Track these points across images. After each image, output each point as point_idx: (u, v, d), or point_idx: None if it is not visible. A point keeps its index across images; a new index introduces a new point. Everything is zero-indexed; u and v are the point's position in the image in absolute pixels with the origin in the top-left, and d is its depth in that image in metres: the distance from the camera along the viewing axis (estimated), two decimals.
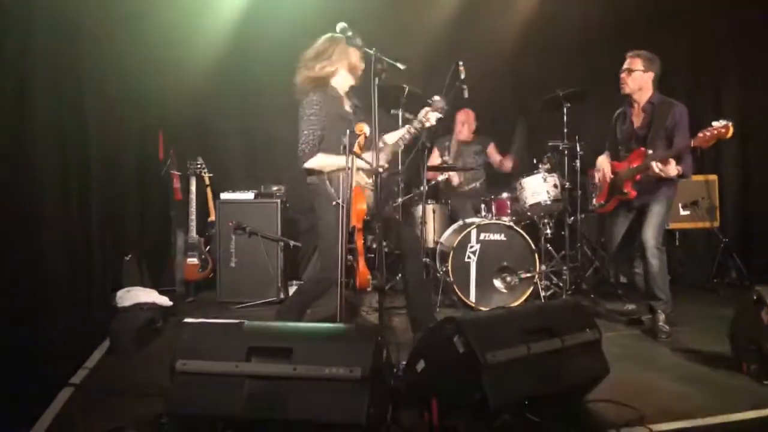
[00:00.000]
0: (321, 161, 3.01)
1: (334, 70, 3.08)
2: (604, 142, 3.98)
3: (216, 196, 4.73)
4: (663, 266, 3.54)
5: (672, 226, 4.93)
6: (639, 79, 3.59)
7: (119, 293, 3.66)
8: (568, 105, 4.65)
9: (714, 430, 2.18)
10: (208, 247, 4.76)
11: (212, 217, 4.77)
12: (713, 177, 5.20)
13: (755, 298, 2.69)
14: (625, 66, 3.64)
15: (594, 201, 4.06)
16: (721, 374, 2.78)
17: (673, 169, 3.33)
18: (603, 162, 3.83)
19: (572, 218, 4.79)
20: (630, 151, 3.65)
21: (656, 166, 3.33)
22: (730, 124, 3.12)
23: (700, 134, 3.20)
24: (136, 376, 2.78)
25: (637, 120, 3.67)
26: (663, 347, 3.27)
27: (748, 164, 5.45)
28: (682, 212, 4.94)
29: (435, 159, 5.16)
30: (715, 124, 3.15)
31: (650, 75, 3.59)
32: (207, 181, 4.88)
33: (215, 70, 5.22)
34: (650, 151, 3.46)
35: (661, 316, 3.52)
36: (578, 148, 4.69)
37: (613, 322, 3.92)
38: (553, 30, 5.36)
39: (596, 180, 3.90)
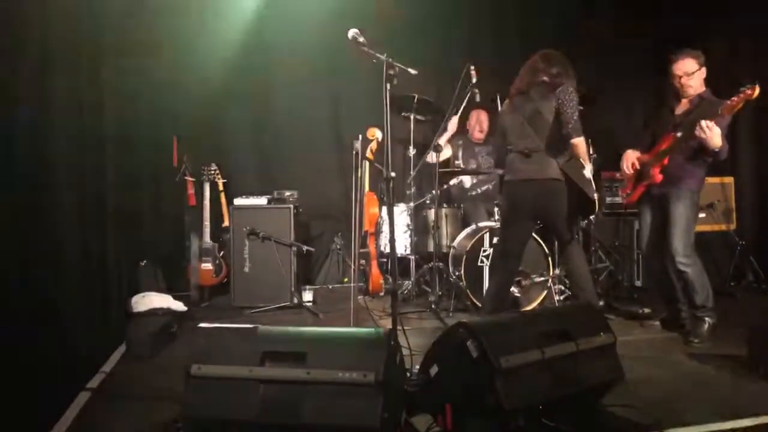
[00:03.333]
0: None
1: None
2: (616, 145, 3.95)
3: (230, 202, 4.77)
4: (698, 272, 3.46)
5: None
6: (698, 78, 3.53)
7: (135, 298, 3.70)
8: (581, 108, 4.62)
9: None
10: (222, 252, 4.80)
11: (226, 223, 4.81)
12: (729, 179, 5.15)
13: None
14: (680, 71, 3.53)
15: (620, 193, 4.01)
16: (738, 378, 2.75)
17: (716, 136, 3.22)
18: (629, 153, 3.74)
19: (586, 222, 4.76)
20: (662, 138, 3.57)
21: (704, 124, 3.21)
22: (757, 85, 3.07)
23: (728, 101, 3.17)
24: (152, 381, 2.80)
25: (679, 109, 3.61)
26: (678, 351, 3.24)
27: (764, 166, 5.39)
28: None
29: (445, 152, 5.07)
30: (742, 88, 3.13)
31: (704, 71, 3.54)
32: (221, 187, 4.92)
33: (228, 77, 5.29)
34: (679, 134, 3.39)
35: (706, 325, 3.44)
36: (591, 151, 4.66)
37: (627, 326, 3.88)
38: (567, 31, 5.36)
39: (623, 170, 3.79)
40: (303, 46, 5.37)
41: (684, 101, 3.60)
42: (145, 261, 4.16)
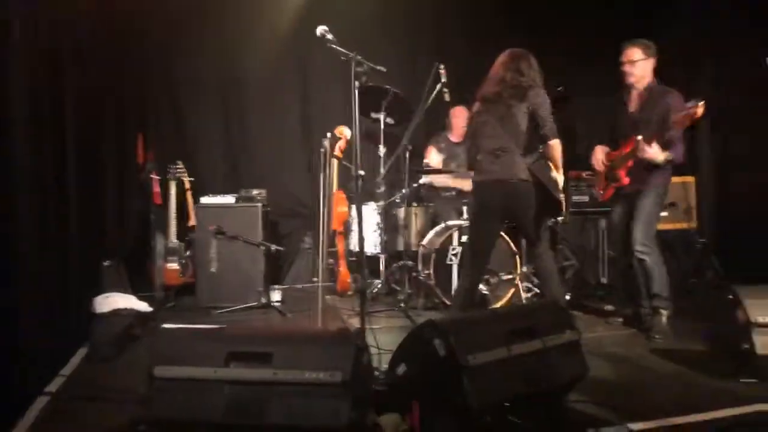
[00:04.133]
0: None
1: None
2: (588, 145, 4.02)
3: (196, 200, 4.69)
4: (656, 261, 3.55)
5: None
6: (642, 67, 3.64)
7: (97, 299, 3.60)
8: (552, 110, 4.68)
9: (692, 428, 2.21)
10: (188, 252, 4.72)
11: (192, 222, 4.73)
12: (690, 179, 5.27)
13: (731, 298, 2.73)
14: (625, 58, 3.67)
15: (595, 190, 4.11)
16: (698, 373, 2.82)
17: (657, 152, 3.39)
18: (597, 150, 3.86)
19: (553, 221, 4.83)
20: (626, 139, 3.67)
21: (644, 148, 3.39)
22: (701, 103, 3.18)
23: (674, 117, 3.29)
24: (115, 384, 2.74)
25: (633, 106, 3.72)
26: (640, 348, 3.31)
27: (724, 167, 5.54)
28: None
29: (433, 157, 5.05)
30: (687, 104, 3.25)
31: (651, 61, 3.66)
32: (187, 185, 4.83)
33: (196, 74, 5.20)
34: (639, 137, 3.48)
35: (663, 318, 3.54)
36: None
37: (592, 323, 3.95)
38: (539, 32, 5.42)
39: (593, 167, 3.93)
40: (272, 43, 5.31)
41: (634, 94, 3.70)
42: (108, 261, 4.06)
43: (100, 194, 4.13)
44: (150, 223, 4.82)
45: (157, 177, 4.81)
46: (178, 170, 4.76)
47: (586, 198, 5.17)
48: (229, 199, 4.60)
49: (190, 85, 5.23)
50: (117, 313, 3.54)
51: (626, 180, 3.64)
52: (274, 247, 4.55)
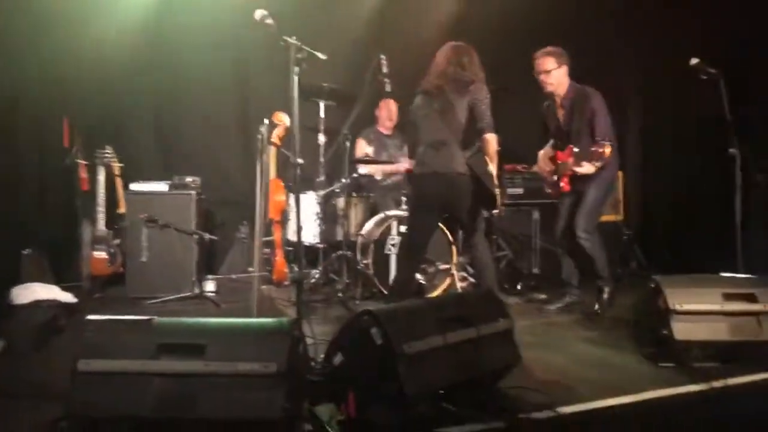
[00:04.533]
0: None
1: None
2: (523, 139, 4.14)
3: (127, 187, 4.50)
4: (596, 245, 3.75)
5: None
6: (557, 76, 3.78)
7: (15, 290, 3.40)
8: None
9: (615, 410, 2.31)
10: (117, 241, 4.52)
11: (122, 209, 4.54)
12: (618, 174, 5.51)
13: (653, 286, 2.87)
14: (539, 69, 3.80)
15: (548, 191, 4.27)
16: (622, 358, 2.96)
17: (588, 168, 3.54)
18: (540, 158, 4.06)
19: (488, 213, 4.92)
20: (564, 145, 3.81)
21: (577, 165, 3.58)
22: (607, 147, 3.38)
23: (590, 159, 3.47)
24: (34, 379, 2.59)
25: (561, 116, 3.87)
26: (571, 335, 3.43)
27: (648, 163, 5.82)
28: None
29: (361, 150, 5.13)
30: (592, 148, 3.45)
31: (564, 69, 3.79)
32: (117, 171, 4.62)
33: (127, 55, 4.96)
34: (576, 149, 3.62)
35: (605, 294, 3.76)
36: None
37: (524, 311, 4.07)
38: (476, 24, 5.48)
39: (541, 171, 4.13)
40: (209, 26, 5.14)
41: (559, 102, 3.86)
42: (28, 249, 3.84)
43: (16, 180, 3.89)
44: (76, 211, 4.59)
45: (85, 162, 4.58)
46: (107, 155, 4.54)
47: (520, 190, 5.31)
48: (161, 186, 4.43)
49: (119, 66, 4.98)
50: (38, 304, 3.36)
51: (567, 188, 3.83)
52: (207, 236, 4.43)
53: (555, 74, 3.77)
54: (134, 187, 4.40)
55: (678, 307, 2.72)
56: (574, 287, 3.95)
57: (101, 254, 4.44)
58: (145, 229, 4.27)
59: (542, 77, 3.80)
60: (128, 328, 2.08)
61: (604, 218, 5.40)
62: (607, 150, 3.37)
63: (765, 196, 4.36)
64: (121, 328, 2.08)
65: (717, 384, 2.51)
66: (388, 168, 5.05)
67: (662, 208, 5.51)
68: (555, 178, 3.95)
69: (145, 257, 4.29)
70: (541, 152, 4.06)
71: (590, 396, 2.40)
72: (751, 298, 2.78)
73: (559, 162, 3.88)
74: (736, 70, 3.89)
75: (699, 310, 2.74)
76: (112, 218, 4.59)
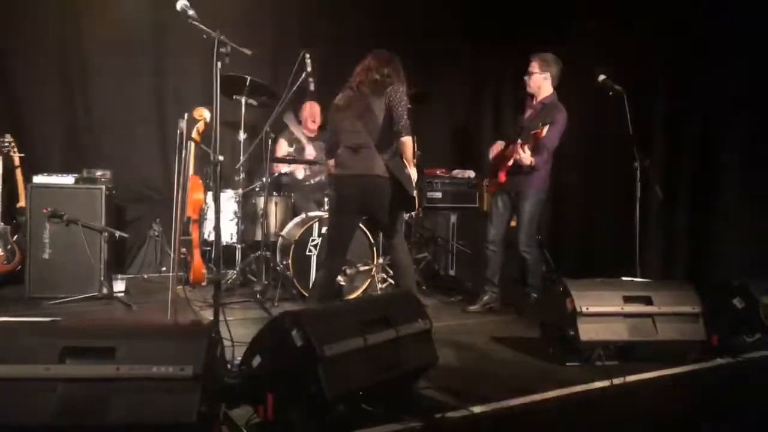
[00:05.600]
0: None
1: None
2: (443, 144, 4.28)
3: (28, 179, 4.19)
4: (536, 258, 4.12)
5: (513, 225, 5.37)
6: (536, 80, 4.04)
7: None
8: (410, 106, 4.84)
9: (526, 408, 2.42)
10: (15, 237, 4.22)
11: (22, 203, 4.23)
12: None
13: (561, 289, 3.03)
14: (528, 69, 4.06)
15: (485, 183, 4.57)
16: (531, 358, 3.10)
17: (526, 156, 3.82)
18: (496, 144, 4.29)
19: (409, 214, 5.01)
20: (513, 142, 4.04)
21: (518, 150, 3.83)
22: (545, 127, 3.76)
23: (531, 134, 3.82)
24: None
25: (528, 113, 4.11)
26: (485, 336, 3.55)
27: (558, 172, 6.12)
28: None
29: (282, 151, 5.08)
30: (534, 131, 3.81)
31: (546, 76, 4.03)
32: (16, 162, 4.31)
33: (31, 34, 4.64)
34: (519, 141, 3.88)
35: (531, 299, 4.07)
36: (416, 148, 4.90)
37: (442, 312, 4.17)
38: (397, 28, 5.57)
39: (489, 157, 4.36)
40: (127, 11, 4.91)
41: (532, 104, 4.12)
42: None
43: None
44: None
45: None
46: (6, 144, 4.23)
47: (439, 194, 5.45)
48: (67, 179, 4.17)
49: (25, 50, 4.65)
50: None
51: (503, 178, 4.08)
52: (118, 233, 4.22)
53: (535, 78, 4.03)
54: (37, 179, 4.12)
55: (584, 310, 2.88)
56: (494, 285, 4.18)
57: None
58: (48, 225, 4.00)
59: (525, 77, 4.08)
60: (28, 330, 1.95)
61: (514, 223, 5.65)
62: (543, 131, 3.72)
63: (663, 208, 4.71)
64: (20, 331, 1.95)
65: (617, 381, 2.69)
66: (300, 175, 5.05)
67: (568, 215, 5.81)
68: (492, 173, 4.23)
69: (47, 255, 4.02)
70: (496, 144, 4.31)
71: (502, 395, 2.50)
72: (647, 301, 2.99)
73: (500, 156, 4.15)
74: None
75: (602, 312, 2.92)
76: (10, 212, 4.29)
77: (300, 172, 5.07)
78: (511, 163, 4.00)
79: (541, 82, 4.05)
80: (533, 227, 4.07)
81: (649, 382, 2.77)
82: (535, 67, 4.05)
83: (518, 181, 4.03)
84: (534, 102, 4.13)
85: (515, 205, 4.10)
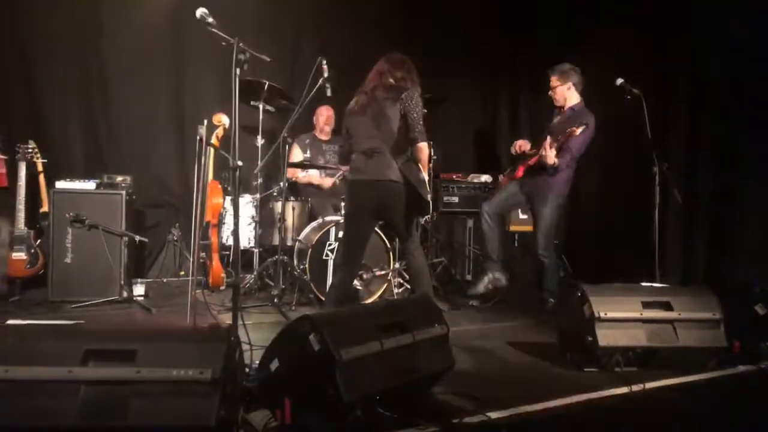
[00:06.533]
0: None
1: None
2: (460, 148, 4.29)
3: (51, 185, 4.28)
4: (552, 263, 4.15)
5: (512, 228, 5.35)
6: (560, 93, 4.14)
7: None
8: (425, 111, 4.85)
9: (543, 414, 2.40)
10: (38, 241, 4.30)
11: (45, 208, 4.31)
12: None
13: (579, 294, 3.00)
14: (549, 84, 4.16)
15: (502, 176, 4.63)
16: (549, 363, 3.08)
17: (550, 156, 3.89)
18: (519, 141, 4.37)
19: (425, 219, 5.01)
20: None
21: (545, 146, 3.89)
22: (580, 128, 3.83)
23: (566, 133, 3.89)
24: None
25: (557, 118, 4.19)
26: (502, 341, 3.54)
27: (576, 175, 6.08)
28: (521, 216, 5.37)
29: (296, 156, 5.12)
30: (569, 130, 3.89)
31: (568, 85, 4.12)
32: (40, 168, 4.40)
33: (55, 44, 4.73)
34: (548, 139, 3.94)
35: (547, 305, 4.11)
36: (432, 153, 4.91)
37: (458, 317, 4.16)
38: (413, 32, 5.59)
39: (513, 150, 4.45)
40: (146, 20, 4.99)
41: (560, 112, 4.20)
42: None
43: None
44: None
45: (4, 157, 4.33)
46: (29, 150, 4.31)
47: (455, 199, 5.44)
48: (89, 184, 4.25)
49: (48, 59, 4.75)
50: None
51: (520, 174, 4.19)
52: (138, 238, 4.28)
53: (559, 90, 4.15)
54: (60, 185, 4.20)
55: (602, 315, 2.86)
56: (495, 262, 4.24)
57: (20, 255, 4.21)
58: (70, 230, 4.07)
59: (549, 92, 4.18)
60: (52, 333, 1.99)
61: (533, 228, 5.62)
62: (577, 131, 3.79)
63: (682, 212, 4.66)
64: (44, 333, 1.99)
65: (636, 388, 2.66)
66: (315, 180, 5.06)
67: (585, 220, 5.76)
68: (516, 165, 4.32)
69: (69, 259, 4.09)
70: (521, 140, 4.39)
71: (520, 401, 2.48)
72: (667, 306, 2.95)
73: (526, 153, 4.25)
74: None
75: (620, 317, 2.89)
76: (34, 217, 4.37)
77: (316, 177, 5.09)
78: (533, 162, 4.05)
79: (565, 93, 4.13)
80: (552, 232, 4.09)
81: (669, 389, 2.74)
82: (555, 81, 4.14)
83: (539, 182, 4.07)
84: (563, 110, 4.19)
85: (531, 207, 4.15)
